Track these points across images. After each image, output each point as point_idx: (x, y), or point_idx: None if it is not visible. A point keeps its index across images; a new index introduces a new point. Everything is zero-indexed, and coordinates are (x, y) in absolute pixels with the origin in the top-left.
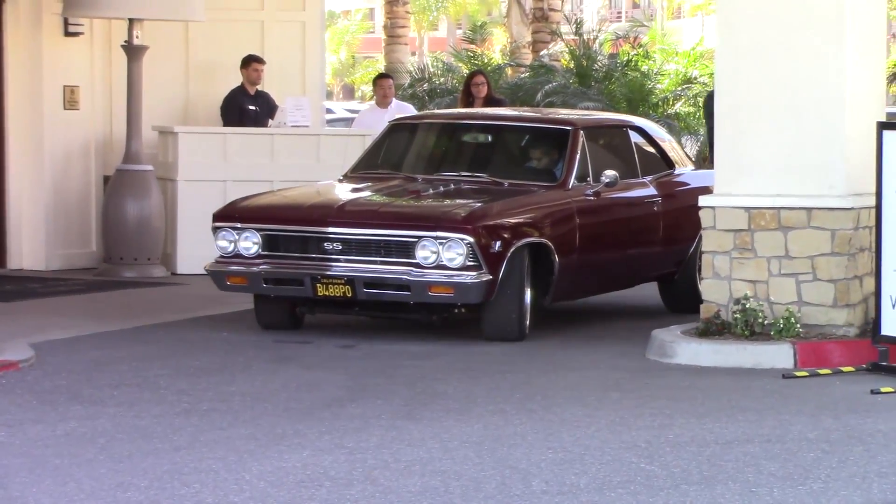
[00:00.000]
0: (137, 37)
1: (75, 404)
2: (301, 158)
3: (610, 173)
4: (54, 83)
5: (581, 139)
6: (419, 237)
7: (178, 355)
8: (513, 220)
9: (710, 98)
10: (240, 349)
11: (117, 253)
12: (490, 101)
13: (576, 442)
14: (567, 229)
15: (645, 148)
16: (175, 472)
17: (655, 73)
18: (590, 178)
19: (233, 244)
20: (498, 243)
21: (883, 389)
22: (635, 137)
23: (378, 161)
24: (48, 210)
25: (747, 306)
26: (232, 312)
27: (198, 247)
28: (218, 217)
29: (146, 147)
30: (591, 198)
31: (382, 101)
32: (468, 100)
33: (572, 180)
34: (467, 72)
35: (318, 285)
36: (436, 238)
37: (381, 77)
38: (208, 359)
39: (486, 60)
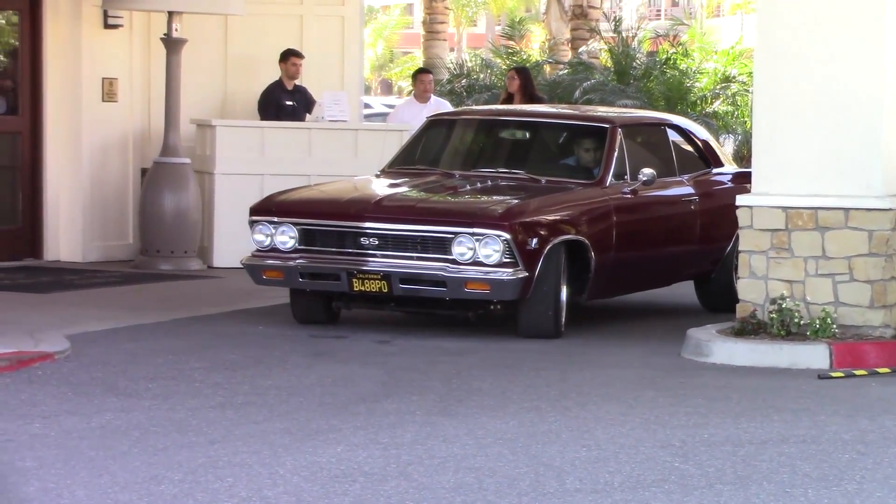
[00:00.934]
0: (177, 30)
1: (110, 396)
2: (338, 153)
3: (647, 171)
4: (93, 75)
5: (619, 137)
6: (456, 233)
7: (213, 349)
8: (550, 218)
9: None
10: (275, 343)
11: (154, 245)
12: (531, 98)
13: (610, 440)
14: (604, 227)
15: (683, 146)
16: (209, 466)
17: (694, 72)
18: (627, 176)
19: (269, 238)
20: (535, 240)
21: None
22: (673, 136)
23: (415, 157)
24: (86, 202)
25: (783, 306)
26: (268, 306)
27: (234, 240)
28: (255, 211)
29: (184, 140)
30: (629, 196)
31: (422, 96)
32: (508, 96)
33: (610, 178)
34: (505, 68)
35: (355, 280)
36: (472, 234)
37: (421, 72)
38: (244, 352)
39: (524, 57)
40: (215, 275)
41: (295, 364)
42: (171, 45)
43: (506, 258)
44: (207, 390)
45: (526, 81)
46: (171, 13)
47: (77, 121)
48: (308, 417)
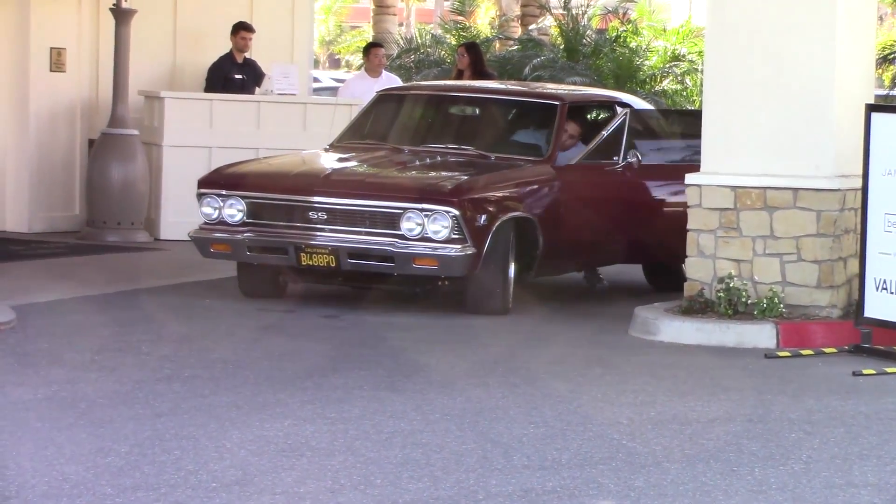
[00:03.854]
0: (126, 0)
1: (57, 368)
2: (287, 127)
3: (634, 153)
4: (41, 45)
5: (568, 114)
6: (405, 209)
7: (160, 321)
8: (498, 194)
9: None
10: (223, 317)
11: (101, 217)
12: (481, 75)
13: (557, 417)
14: (552, 204)
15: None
16: (156, 439)
17: (644, 50)
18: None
19: (217, 211)
20: (483, 217)
21: (865, 371)
22: None
23: (365, 131)
24: (32, 172)
25: (731, 285)
26: (215, 279)
27: (181, 213)
28: (203, 183)
29: (132, 111)
30: (577, 173)
31: (374, 70)
32: (459, 72)
33: (559, 155)
34: (455, 43)
35: (302, 254)
36: (421, 210)
37: (373, 46)
38: (191, 325)
39: (474, 33)
40: (162, 247)
41: (242, 338)
42: (121, 15)
43: (454, 234)
44: (154, 363)
45: (476, 58)
46: None
47: (24, 90)
48: (255, 391)
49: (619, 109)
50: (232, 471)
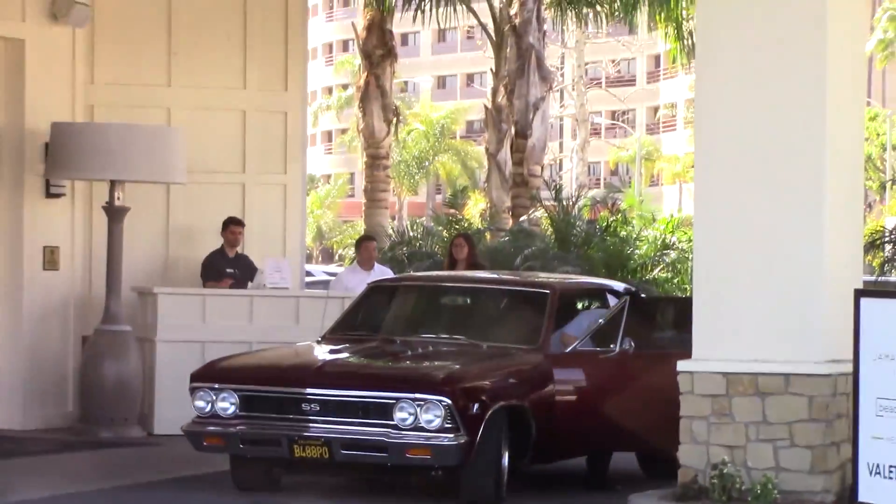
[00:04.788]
0: (119, 198)
1: None
2: (280, 320)
3: (626, 340)
4: (35, 244)
5: (559, 302)
6: (398, 399)
7: None
8: (491, 383)
9: None
10: None
11: (94, 413)
12: (474, 266)
13: None
14: (545, 393)
15: None
16: None
17: (634, 239)
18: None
19: (210, 404)
20: (476, 406)
21: None
22: (614, 302)
23: (356, 322)
24: (25, 369)
25: (725, 472)
26: (210, 473)
27: (175, 407)
28: (196, 377)
29: (125, 307)
30: (571, 361)
31: (367, 263)
32: (451, 263)
33: (552, 343)
34: (447, 236)
35: (296, 446)
36: (414, 400)
37: (365, 239)
38: None
39: (465, 224)
40: (156, 442)
41: None
42: (114, 213)
43: (447, 423)
44: None
45: (472, 249)
46: (113, 182)
47: (18, 289)
48: None
49: (609, 298)
50: None
